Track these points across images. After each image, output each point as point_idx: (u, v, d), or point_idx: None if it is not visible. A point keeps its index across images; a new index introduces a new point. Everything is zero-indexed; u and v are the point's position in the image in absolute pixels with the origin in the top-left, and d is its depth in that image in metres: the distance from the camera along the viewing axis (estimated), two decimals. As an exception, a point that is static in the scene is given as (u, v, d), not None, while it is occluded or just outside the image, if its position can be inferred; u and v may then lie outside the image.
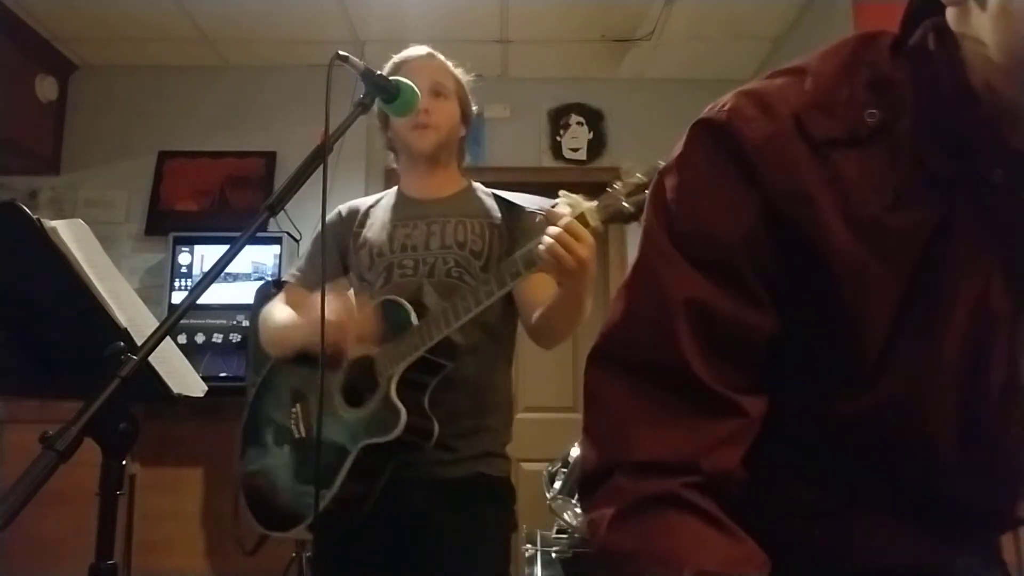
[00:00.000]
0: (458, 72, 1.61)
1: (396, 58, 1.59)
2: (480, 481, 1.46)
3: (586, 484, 0.67)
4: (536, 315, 1.43)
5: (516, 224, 1.54)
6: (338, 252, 1.60)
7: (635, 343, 0.67)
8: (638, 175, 1.21)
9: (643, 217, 0.72)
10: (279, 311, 1.55)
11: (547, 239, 1.22)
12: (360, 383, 1.43)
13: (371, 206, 1.63)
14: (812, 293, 0.64)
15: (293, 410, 1.51)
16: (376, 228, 1.57)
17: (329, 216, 1.64)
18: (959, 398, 0.64)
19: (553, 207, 1.32)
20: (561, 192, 1.27)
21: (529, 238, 1.46)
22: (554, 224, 1.22)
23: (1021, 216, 0.63)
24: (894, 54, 0.67)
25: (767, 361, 0.66)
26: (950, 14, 0.64)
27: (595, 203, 1.23)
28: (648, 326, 0.66)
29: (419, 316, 1.39)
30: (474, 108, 1.64)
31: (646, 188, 1.19)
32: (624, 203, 1.21)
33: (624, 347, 0.67)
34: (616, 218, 1.22)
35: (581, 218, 1.23)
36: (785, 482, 0.70)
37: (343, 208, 1.65)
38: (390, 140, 1.64)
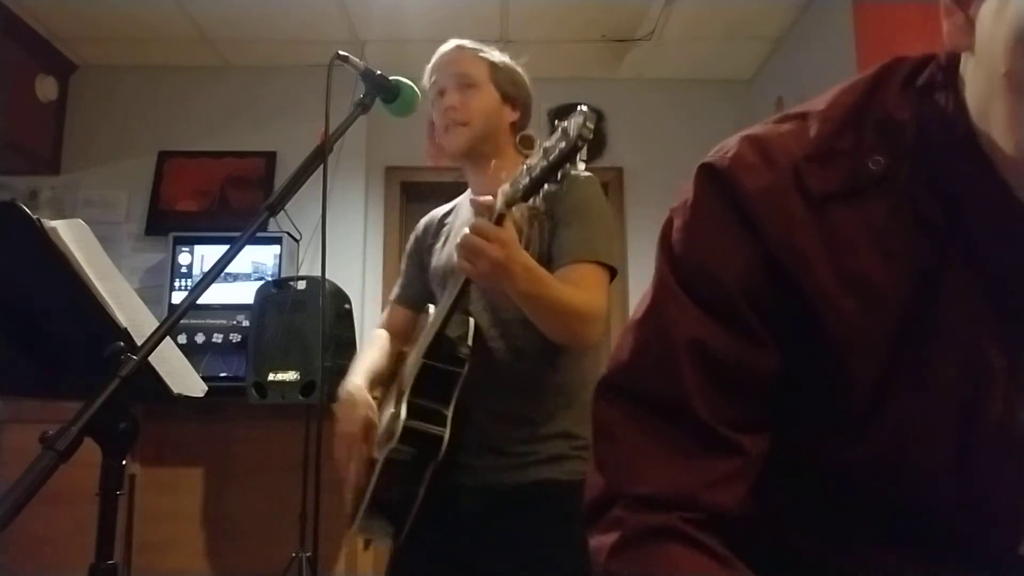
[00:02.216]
0: (493, 56, 1.52)
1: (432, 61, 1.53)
2: (548, 490, 1.34)
3: (590, 511, 0.68)
4: None
5: (557, 212, 1.44)
6: (420, 266, 1.59)
7: (641, 379, 0.68)
8: (540, 144, 1.16)
9: (655, 256, 0.73)
10: (369, 348, 1.56)
11: (461, 238, 1.20)
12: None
13: (446, 214, 1.60)
14: (805, 341, 0.65)
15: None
16: (445, 239, 1.54)
17: (413, 232, 1.65)
18: (955, 447, 0.64)
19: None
20: (501, 188, 1.22)
21: (570, 227, 1.41)
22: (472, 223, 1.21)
23: (1014, 268, 0.62)
24: (904, 89, 0.66)
25: (771, 400, 0.67)
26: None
27: (501, 188, 1.19)
28: (653, 363, 0.68)
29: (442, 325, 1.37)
30: (528, 85, 1.58)
31: (545, 157, 1.13)
32: (520, 182, 1.16)
33: (631, 382, 0.69)
34: (513, 200, 1.17)
35: (498, 212, 1.20)
36: (784, 526, 0.70)
37: (420, 223, 1.63)
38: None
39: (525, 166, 1.16)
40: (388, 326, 1.60)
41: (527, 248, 1.29)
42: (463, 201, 1.59)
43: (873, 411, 0.64)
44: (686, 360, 0.65)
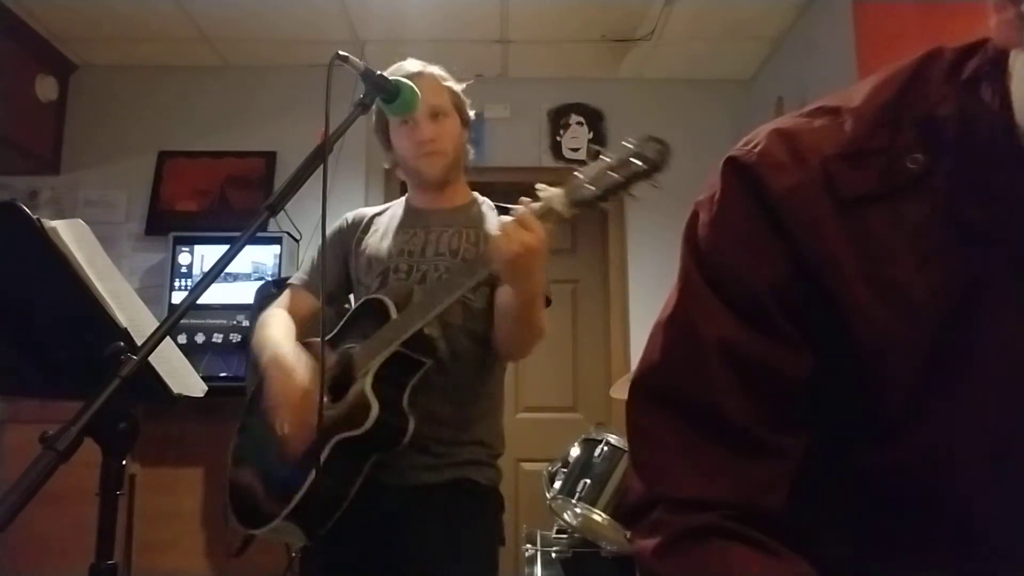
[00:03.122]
0: (450, 83, 1.58)
1: (393, 73, 1.53)
2: (463, 486, 1.45)
3: (630, 514, 0.68)
4: (497, 320, 1.45)
5: None
6: (342, 257, 1.62)
7: (673, 380, 0.67)
8: (605, 158, 1.22)
9: (680, 251, 0.71)
10: (274, 322, 1.52)
11: (501, 225, 1.25)
12: (341, 379, 1.41)
13: (377, 214, 1.65)
14: (837, 345, 0.63)
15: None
16: (379, 235, 1.59)
17: (337, 222, 1.66)
18: (993, 454, 0.62)
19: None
20: (537, 185, 1.27)
21: None
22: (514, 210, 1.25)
23: None
24: (948, 81, 0.62)
25: (804, 401, 0.65)
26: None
27: (560, 191, 1.25)
28: (683, 365, 0.67)
29: (397, 312, 1.39)
30: (471, 112, 1.63)
31: (611, 170, 1.20)
32: (587, 186, 1.22)
33: (663, 384, 0.68)
34: (583, 203, 1.23)
35: (551, 209, 1.25)
36: (824, 537, 0.68)
37: (349, 215, 1.66)
38: (396, 163, 1.64)
39: (582, 175, 1.22)
40: (292, 310, 1.57)
41: None
42: (396, 206, 1.65)
43: (908, 417, 0.62)
44: (716, 362, 0.64)
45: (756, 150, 0.66)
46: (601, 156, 1.22)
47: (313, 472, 1.32)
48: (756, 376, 0.64)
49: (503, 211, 1.60)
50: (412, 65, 1.54)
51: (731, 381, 0.64)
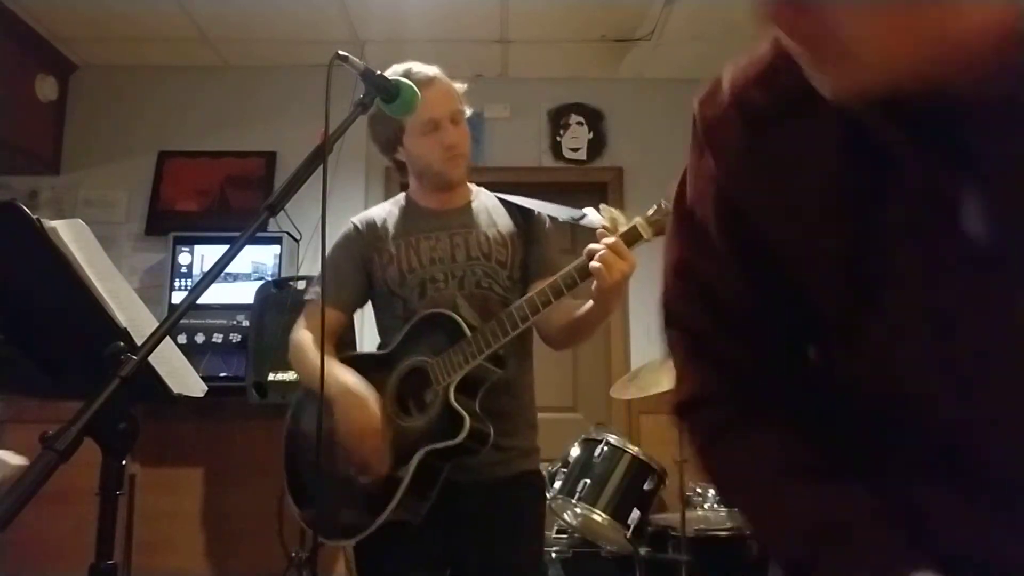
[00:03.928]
0: (456, 85, 1.62)
1: (404, 75, 1.53)
2: (525, 479, 1.58)
3: (675, 422, 0.79)
4: (560, 324, 1.56)
5: (531, 230, 1.64)
6: (361, 266, 1.61)
7: (667, 304, 0.78)
8: None
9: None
10: (311, 348, 1.54)
11: (600, 247, 1.37)
12: (410, 392, 1.51)
13: (384, 218, 1.64)
14: (767, 263, 0.69)
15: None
16: (400, 242, 1.59)
17: (345, 230, 1.65)
18: (936, 359, 0.63)
19: (582, 217, 1.48)
20: (602, 206, 1.40)
21: (543, 243, 1.63)
22: (604, 239, 1.38)
23: (951, 170, 0.59)
24: None
25: (754, 313, 0.73)
26: None
27: (645, 216, 1.38)
28: (670, 289, 0.78)
29: (470, 327, 1.47)
30: (468, 110, 1.65)
31: None
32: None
33: (666, 308, 0.79)
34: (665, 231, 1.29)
35: (634, 230, 1.39)
36: (845, 456, 0.71)
37: (359, 222, 1.64)
38: (400, 162, 1.64)
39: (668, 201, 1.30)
40: (315, 329, 1.56)
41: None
42: (401, 207, 1.66)
43: (849, 330, 0.66)
44: (676, 281, 0.76)
45: (702, 92, 0.72)
46: None
47: (404, 484, 1.42)
48: (706, 292, 0.73)
49: (509, 205, 1.67)
50: (422, 69, 1.54)
51: (691, 296, 0.74)
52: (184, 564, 3.06)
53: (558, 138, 3.70)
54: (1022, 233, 0.57)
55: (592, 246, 1.40)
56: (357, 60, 1.21)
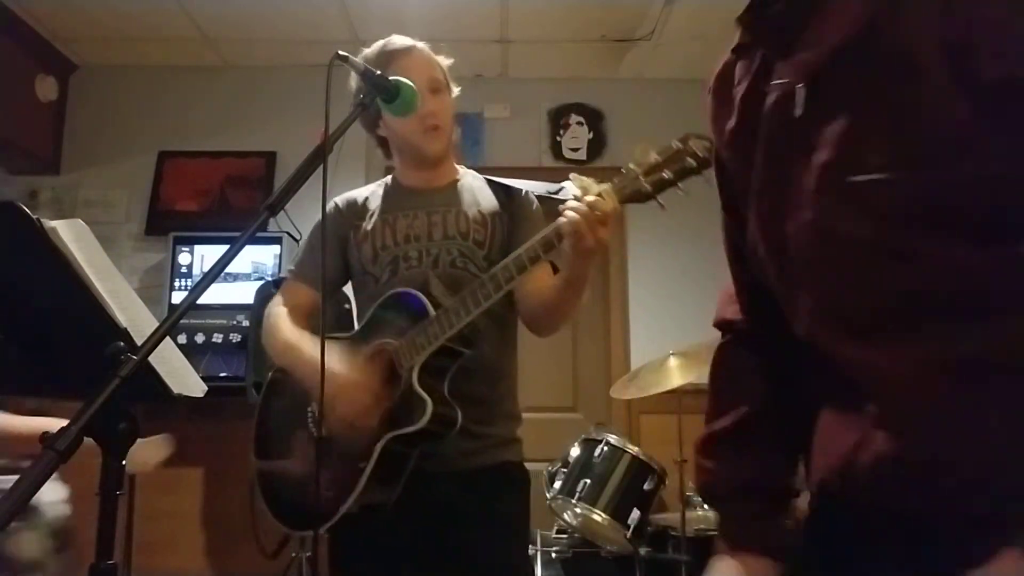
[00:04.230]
0: (440, 58, 1.58)
1: (382, 49, 1.54)
2: (505, 469, 1.50)
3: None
4: (535, 302, 1.45)
5: (515, 210, 1.57)
6: (338, 245, 1.58)
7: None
8: (654, 155, 1.21)
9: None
10: (284, 324, 1.52)
11: (571, 215, 1.22)
12: (383, 376, 1.41)
13: (367, 197, 1.62)
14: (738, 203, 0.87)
15: (310, 408, 1.48)
16: (377, 220, 1.56)
17: (332, 207, 1.62)
18: (765, 234, 0.80)
19: (559, 190, 1.36)
20: (572, 175, 1.27)
21: (528, 223, 1.53)
22: (577, 201, 1.23)
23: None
24: None
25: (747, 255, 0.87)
26: None
27: (611, 183, 1.24)
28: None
29: (435, 306, 1.38)
30: (455, 88, 1.60)
31: (663, 168, 1.20)
32: (641, 181, 1.21)
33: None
34: (634, 198, 1.22)
35: (599, 198, 1.23)
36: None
37: (339, 201, 1.63)
38: (382, 138, 1.60)
39: (636, 166, 1.22)
40: (293, 306, 1.55)
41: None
42: (384, 187, 1.62)
43: (765, 248, 0.82)
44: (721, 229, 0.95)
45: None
46: (651, 152, 1.22)
47: (367, 472, 1.35)
48: (726, 232, 0.94)
49: (496, 185, 1.62)
50: (401, 40, 1.53)
51: (728, 239, 0.94)
52: (184, 564, 3.06)
53: (558, 138, 3.70)
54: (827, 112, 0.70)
55: (561, 217, 1.28)
56: (357, 60, 1.21)
